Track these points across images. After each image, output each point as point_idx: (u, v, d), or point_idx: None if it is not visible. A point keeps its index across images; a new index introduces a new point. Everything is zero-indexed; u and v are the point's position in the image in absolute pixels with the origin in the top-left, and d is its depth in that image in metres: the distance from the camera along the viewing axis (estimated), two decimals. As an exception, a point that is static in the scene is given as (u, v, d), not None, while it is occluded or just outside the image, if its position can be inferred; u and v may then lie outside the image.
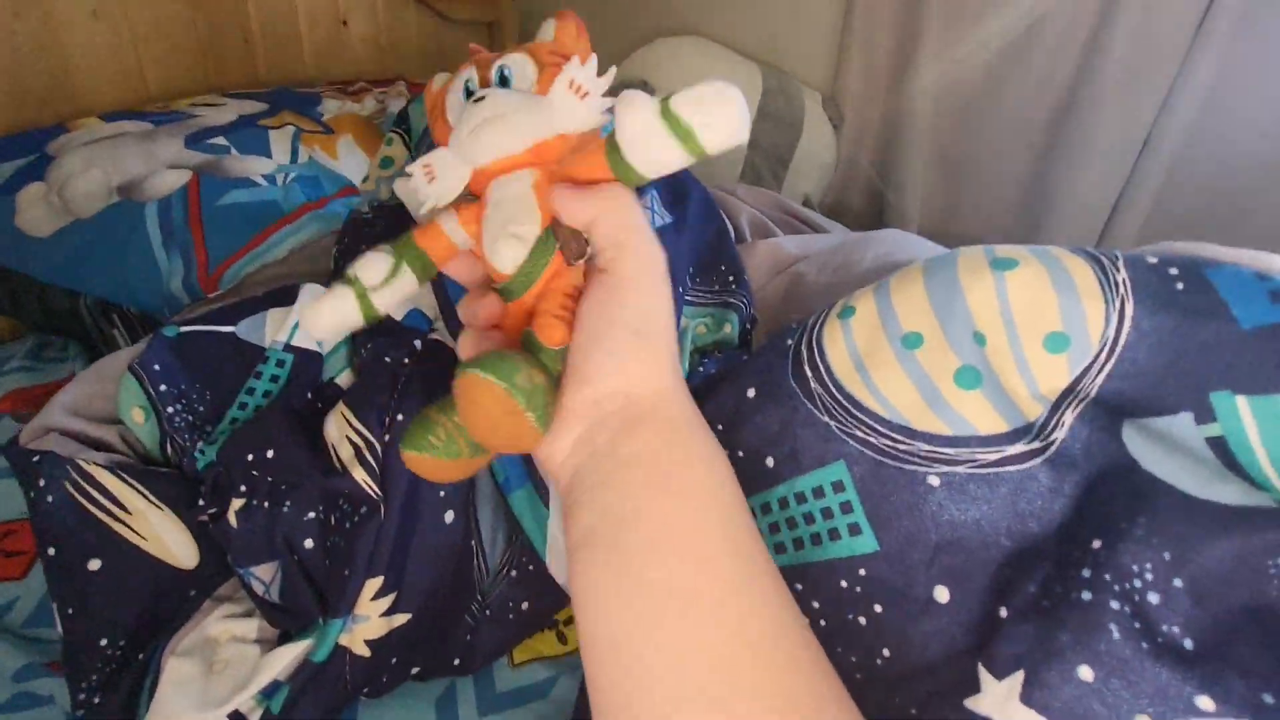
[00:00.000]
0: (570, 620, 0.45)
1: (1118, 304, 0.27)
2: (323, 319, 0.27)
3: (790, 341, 0.34)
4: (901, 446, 0.29)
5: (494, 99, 0.27)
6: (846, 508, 0.30)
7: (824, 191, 1.31)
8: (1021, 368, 0.28)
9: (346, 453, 0.37)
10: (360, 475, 0.35)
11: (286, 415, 0.37)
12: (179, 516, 0.39)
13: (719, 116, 0.24)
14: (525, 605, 0.41)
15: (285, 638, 0.37)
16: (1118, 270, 0.28)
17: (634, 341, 0.26)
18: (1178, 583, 0.23)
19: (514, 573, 0.40)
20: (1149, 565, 0.23)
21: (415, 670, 0.40)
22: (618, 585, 0.24)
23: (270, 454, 0.36)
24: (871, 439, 0.30)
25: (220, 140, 0.70)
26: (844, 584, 0.30)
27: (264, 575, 0.37)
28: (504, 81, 0.28)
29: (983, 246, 0.32)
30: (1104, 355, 0.28)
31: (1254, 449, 0.25)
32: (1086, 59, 1.03)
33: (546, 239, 0.27)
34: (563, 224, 0.27)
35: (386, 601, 0.35)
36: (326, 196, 0.69)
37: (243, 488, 0.37)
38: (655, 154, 0.25)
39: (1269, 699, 0.21)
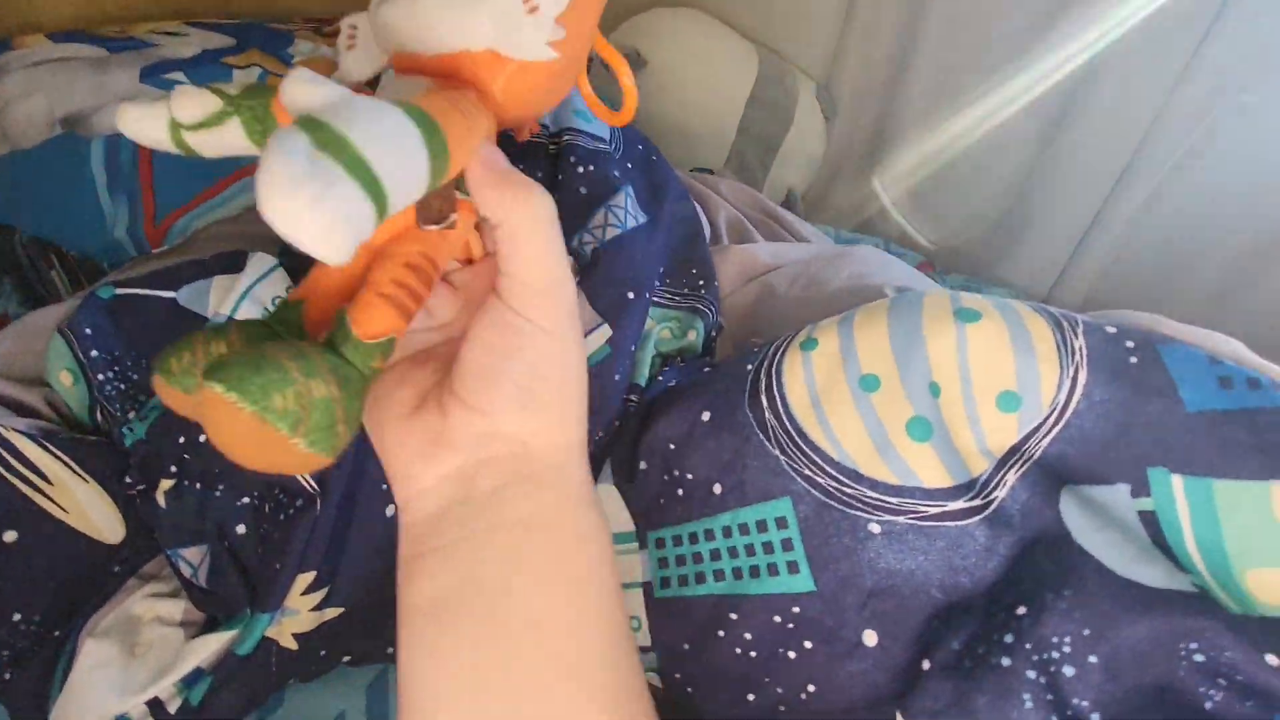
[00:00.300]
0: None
1: (1072, 370, 0.28)
2: (131, 126, 0.21)
3: (750, 367, 0.34)
4: (847, 490, 0.29)
5: None
6: (788, 545, 0.30)
7: (809, 184, 1.30)
8: (973, 423, 0.29)
9: (285, 441, 0.35)
10: (298, 467, 0.34)
11: (224, 398, 0.35)
12: (106, 489, 0.37)
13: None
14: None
15: (211, 621, 0.36)
16: (1076, 336, 0.28)
17: (538, 387, 0.22)
18: (1093, 659, 0.24)
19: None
20: (1068, 639, 0.24)
21: (347, 659, 0.39)
22: (481, 683, 0.21)
23: (203, 439, 0.34)
24: (819, 479, 0.30)
25: (178, 76, 0.65)
26: (777, 619, 0.30)
27: (192, 558, 0.36)
28: None
29: (949, 293, 0.32)
30: (1052, 419, 0.28)
31: (1182, 528, 0.26)
32: (1077, 86, 1.03)
33: None
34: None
35: (318, 596, 0.35)
36: (291, 149, 0.66)
37: (173, 468, 0.35)
38: None
39: (1161, 776, 0.22)
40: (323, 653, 0.36)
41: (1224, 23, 0.87)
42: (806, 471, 0.30)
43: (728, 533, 0.32)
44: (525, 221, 0.21)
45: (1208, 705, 0.24)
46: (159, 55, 0.69)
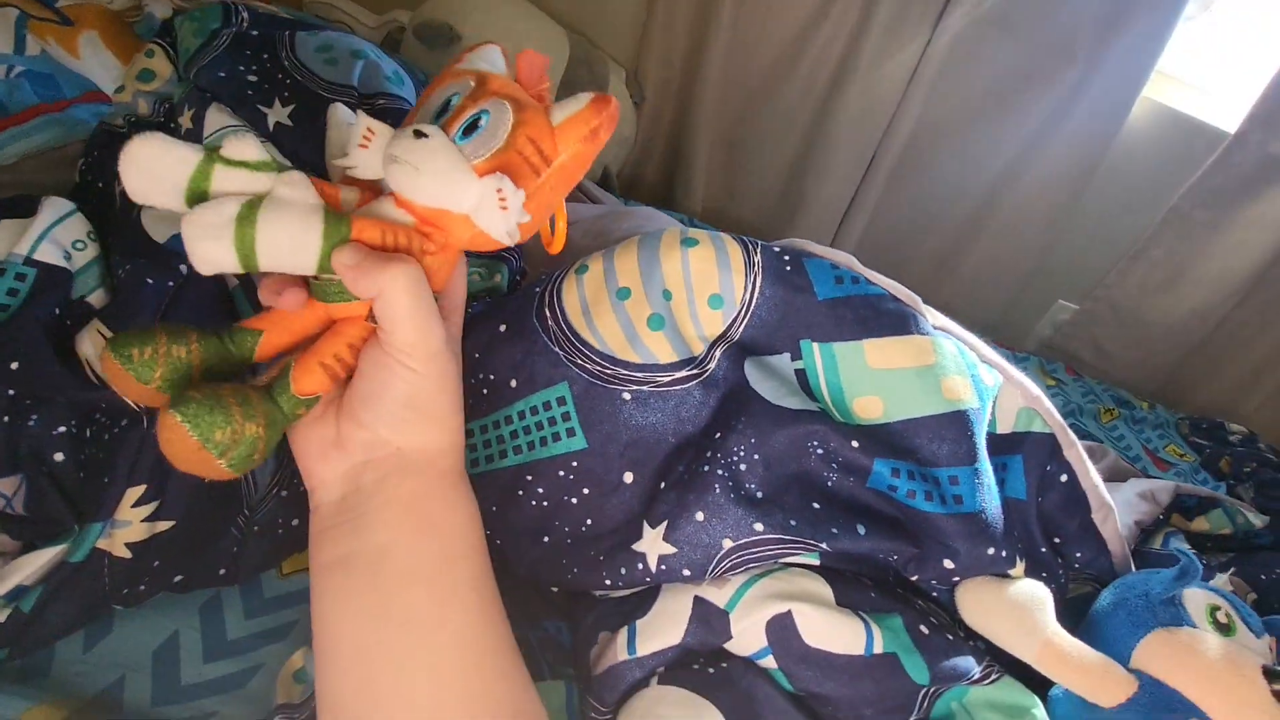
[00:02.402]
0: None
1: (753, 277, 0.40)
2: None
3: (538, 289, 0.43)
4: (607, 371, 0.39)
5: (429, 150, 0.26)
6: (566, 417, 0.39)
7: (622, 164, 1.42)
8: (693, 318, 0.40)
9: (104, 369, 0.37)
10: (120, 389, 0.37)
11: (33, 327, 0.36)
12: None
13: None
14: (295, 522, 0.44)
15: (29, 548, 0.38)
16: (756, 254, 0.40)
17: (406, 413, 0.29)
18: (757, 457, 0.36)
19: (284, 492, 0.44)
20: (742, 447, 0.36)
21: (179, 579, 0.42)
22: (369, 607, 0.28)
23: (15, 366, 0.35)
24: (587, 365, 0.39)
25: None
26: (561, 473, 0.39)
27: (4, 489, 0.37)
28: (473, 126, 0.28)
29: (680, 227, 0.43)
30: (743, 312, 0.40)
31: (819, 376, 0.39)
32: (838, 78, 1.24)
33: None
34: None
35: (149, 508, 0.37)
36: (66, 100, 0.62)
37: (-24, 401, 0.36)
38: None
39: (794, 523, 0.35)
40: (156, 563, 0.39)
41: (935, 46, 1.12)
42: (578, 361, 0.40)
43: (522, 415, 0.40)
44: (391, 292, 0.27)
45: (829, 484, 0.37)
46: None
